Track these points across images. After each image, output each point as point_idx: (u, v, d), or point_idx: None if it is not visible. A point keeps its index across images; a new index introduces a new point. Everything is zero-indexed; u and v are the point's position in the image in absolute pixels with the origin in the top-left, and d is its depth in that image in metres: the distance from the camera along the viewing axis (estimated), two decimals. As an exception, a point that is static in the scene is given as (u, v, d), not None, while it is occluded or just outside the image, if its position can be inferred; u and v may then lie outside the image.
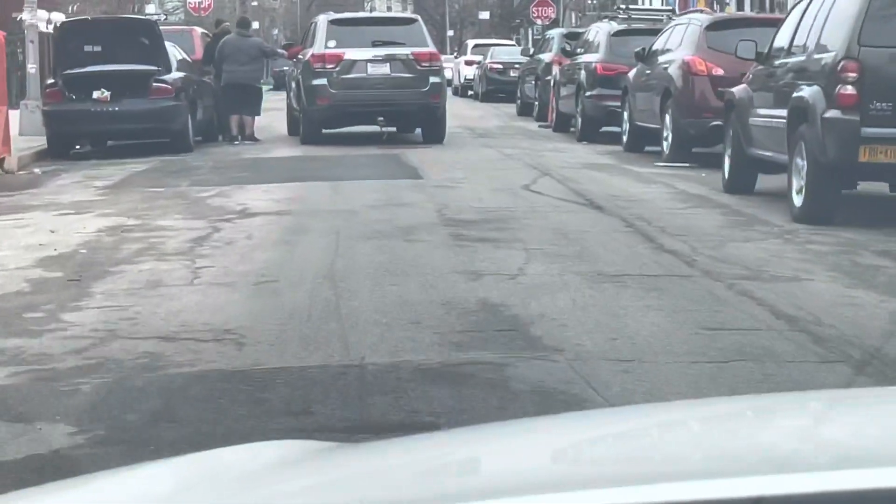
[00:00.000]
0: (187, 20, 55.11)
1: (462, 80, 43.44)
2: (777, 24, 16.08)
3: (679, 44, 17.05)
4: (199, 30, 24.89)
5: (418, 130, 20.77)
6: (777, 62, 12.18)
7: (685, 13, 18.37)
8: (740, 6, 38.40)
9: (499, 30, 71.98)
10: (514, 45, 46.71)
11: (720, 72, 16.07)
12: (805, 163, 10.79)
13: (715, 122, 15.83)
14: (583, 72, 21.38)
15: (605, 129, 21.01)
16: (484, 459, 1.97)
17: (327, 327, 6.62)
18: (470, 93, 41.64)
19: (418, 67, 19.83)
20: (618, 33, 21.21)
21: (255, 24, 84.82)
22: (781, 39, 12.30)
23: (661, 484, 1.57)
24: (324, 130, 20.41)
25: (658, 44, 18.23)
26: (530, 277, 7.91)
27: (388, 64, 19.83)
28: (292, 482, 1.94)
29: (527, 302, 7.16)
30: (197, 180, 14.72)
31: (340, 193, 13.01)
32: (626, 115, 19.11)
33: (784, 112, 11.28)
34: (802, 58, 11.40)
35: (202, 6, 51.84)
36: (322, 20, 20.93)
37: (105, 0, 61.20)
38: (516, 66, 35.30)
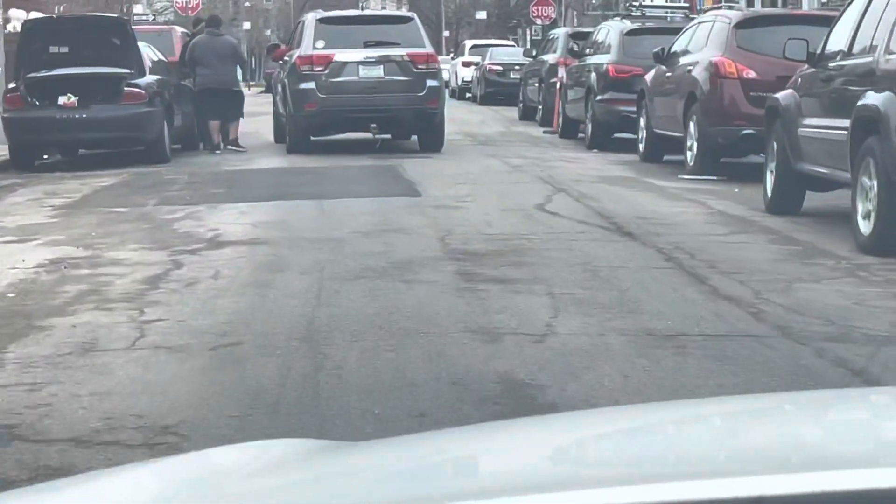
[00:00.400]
0: (176, 21, 53.57)
1: (460, 83, 41.75)
2: (819, 20, 14.50)
3: (705, 43, 15.39)
4: (178, 29, 23.16)
5: (414, 138, 19.13)
6: (833, 64, 10.52)
7: (713, 8, 16.62)
8: (750, 3, 36.71)
9: (495, 30, 70.42)
10: (513, 46, 45.07)
11: (752, 74, 14.42)
12: (874, 183, 9.13)
13: (746, 131, 14.23)
14: (593, 74, 19.73)
15: (616, 135, 19.44)
16: (483, 459, 1.98)
17: (301, 421, 4.96)
18: (468, 95, 40.00)
19: (414, 70, 18.20)
20: (631, 32, 19.54)
21: (247, 25, 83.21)
22: (838, 39, 10.63)
23: (661, 483, 1.56)
24: (312, 138, 18.77)
25: (679, 44, 16.58)
26: (563, 339, 6.23)
27: (381, 66, 18.18)
28: (293, 480, 1.94)
29: (563, 380, 5.48)
30: (167, 197, 13.03)
31: (327, 215, 11.34)
32: (642, 121, 17.46)
33: (846, 122, 9.62)
34: (868, 59, 9.72)
35: (189, 6, 50.34)
36: (310, 18, 19.23)
37: (92, 1, 59.72)
38: (517, 67, 34.04)
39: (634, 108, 18.21)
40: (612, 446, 2.01)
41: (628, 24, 19.88)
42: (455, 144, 20.16)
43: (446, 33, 74.53)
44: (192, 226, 10.75)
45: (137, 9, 64.45)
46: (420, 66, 18.20)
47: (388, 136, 18.93)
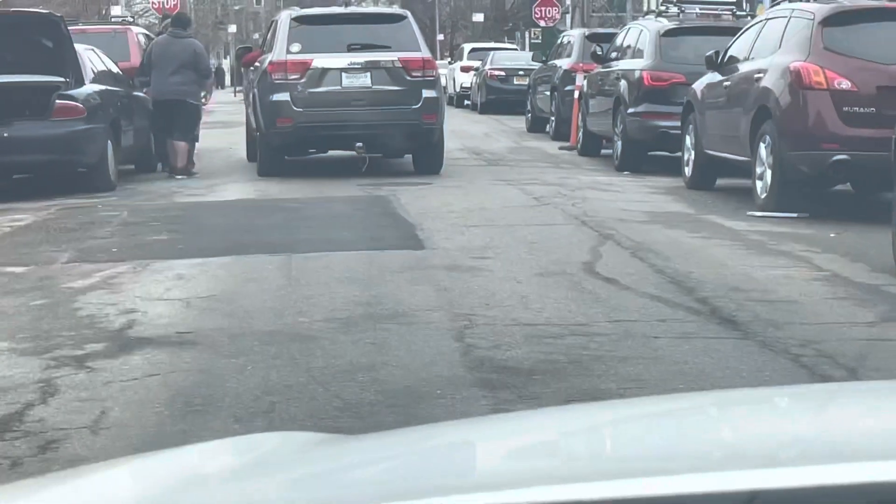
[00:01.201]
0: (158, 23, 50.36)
1: (458, 89, 38.52)
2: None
3: (778, 45, 12.22)
4: (136, 30, 19.87)
5: (409, 156, 16.03)
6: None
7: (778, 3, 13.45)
8: None
9: (492, 34, 67.25)
10: (516, 50, 41.88)
11: (846, 84, 11.27)
12: None
13: (839, 157, 11.12)
14: (623, 82, 16.57)
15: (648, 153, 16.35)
16: (479, 452, 1.96)
17: None
18: (467, 103, 36.76)
19: (408, 78, 15.17)
20: (669, 33, 16.38)
21: (233, 28, 79.93)
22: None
23: (656, 477, 1.56)
24: (288, 158, 15.65)
25: (739, 46, 13.44)
26: None
27: (368, 73, 15.10)
28: (290, 473, 1.91)
29: None
30: (87, 249, 9.82)
31: (295, 283, 8.13)
32: (689, 139, 14.29)
33: None
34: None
35: (167, 6, 46.92)
36: (284, 17, 16.01)
37: (69, 2, 56.86)
38: (520, 72, 31.47)
39: (675, 123, 15.12)
40: (606, 440, 1.99)
41: (665, 24, 16.69)
42: (459, 164, 17.00)
43: (440, 37, 71.36)
44: (101, 303, 7.54)
45: (115, 10, 61.28)
46: (415, 74, 15.15)
47: (380, 154, 15.79)
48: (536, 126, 24.36)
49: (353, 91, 15.04)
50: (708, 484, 1.49)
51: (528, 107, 25.15)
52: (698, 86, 14.08)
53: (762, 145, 11.93)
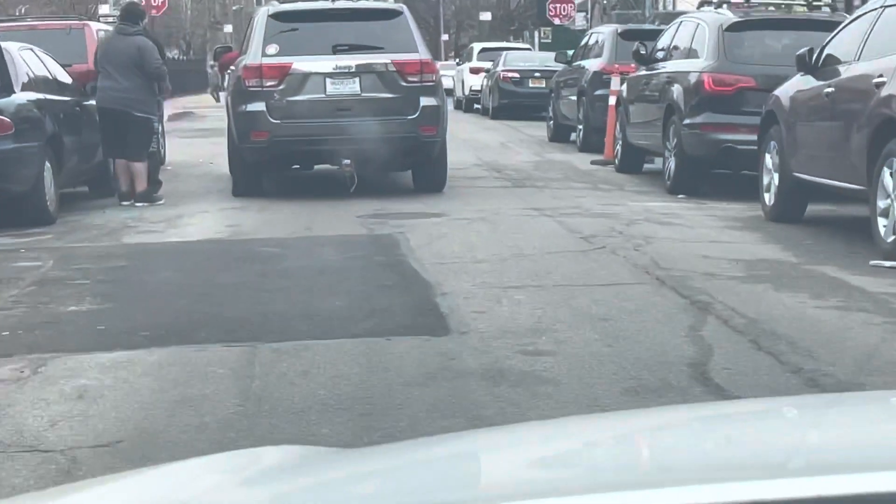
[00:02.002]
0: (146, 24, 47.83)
1: (467, 92, 35.55)
2: None
3: (906, 40, 9.33)
4: (96, 26, 16.88)
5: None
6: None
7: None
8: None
9: (498, 33, 64.47)
10: (530, 50, 38.89)
11: None
12: None
13: None
14: (675, 87, 13.66)
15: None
16: (476, 465, 1.93)
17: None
18: (477, 107, 33.84)
19: (403, 83, 12.72)
20: (734, 27, 13.46)
21: (229, 28, 76.42)
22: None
23: (660, 489, 1.55)
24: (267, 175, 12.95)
25: (841, 43, 10.54)
26: None
27: (357, 79, 12.63)
28: (291, 487, 1.89)
29: None
30: (-27, 328, 6.93)
31: (255, 410, 5.21)
32: (769, 159, 11.37)
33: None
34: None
35: (154, 5, 43.87)
36: (261, 13, 13.36)
37: (54, 1, 54.52)
38: (536, 74, 28.85)
39: (743, 137, 12.32)
40: (611, 451, 1.96)
41: (729, 16, 13.75)
42: (477, 186, 14.15)
43: (445, 37, 68.58)
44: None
45: (104, 9, 58.64)
46: (411, 79, 12.68)
47: (370, 171, 13.07)
48: (560, 135, 21.51)
49: (340, 99, 12.60)
50: (710, 495, 1.47)
51: (550, 113, 22.28)
52: (784, 92, 11.19)
53: (887, 171, 9.03)
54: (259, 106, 12.40)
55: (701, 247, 9.56)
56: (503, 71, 29.79)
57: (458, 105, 35.56)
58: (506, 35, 63.05)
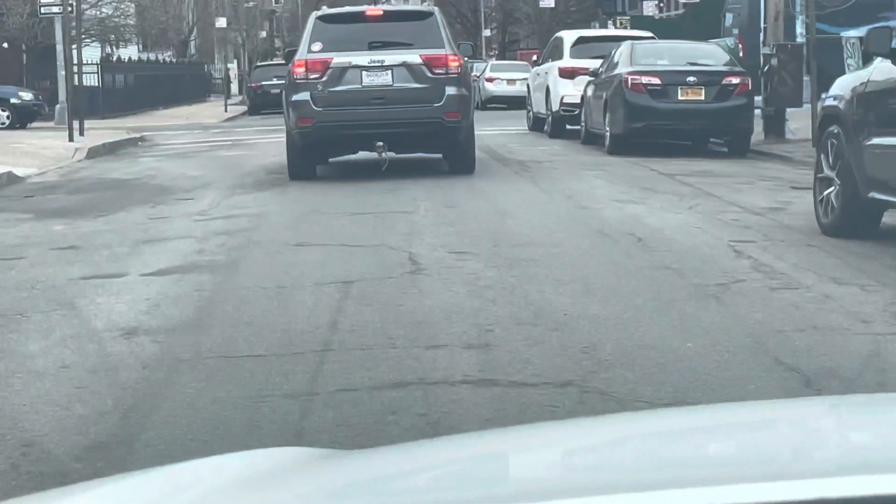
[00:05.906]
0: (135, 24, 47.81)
1: (556, 107, 23.29)
2: None
3: None
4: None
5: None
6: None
7: None
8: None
9: (549, 26, 57.55)
10: (657, 41, 22.60)
11: None
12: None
13: None
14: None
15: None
16: (485, 467, 1.95)
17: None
18: (571, 127, 22.71)
19: (429, 75, 15.41)
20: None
21: (221, 22, 69.12)
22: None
23: (670, 490, 1.57)
24: (331, 160, 16.18)
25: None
26: None
27: (389, 71, 15.30)
28: (288, 489, 1.92)
29: None
30: None
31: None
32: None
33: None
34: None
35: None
36: (312, 16, 16.31)
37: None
38: (690, 80, 18.85)
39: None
40: (623, 453, 1.99)
41: None
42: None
43: (487, 32, 63.94)
44: None
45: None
46: (437, 71, 15.36)
47: (392, 154, 15.73)
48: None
49: (374, 89, 15.22)
50: (723, 496, 1.51)
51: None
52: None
53: None
54: (305, 96, 15.09)
55: None
56: (629, 74, 18.98)
57: (536, 125, 25.17)
58: (557, 28, 55.26)
